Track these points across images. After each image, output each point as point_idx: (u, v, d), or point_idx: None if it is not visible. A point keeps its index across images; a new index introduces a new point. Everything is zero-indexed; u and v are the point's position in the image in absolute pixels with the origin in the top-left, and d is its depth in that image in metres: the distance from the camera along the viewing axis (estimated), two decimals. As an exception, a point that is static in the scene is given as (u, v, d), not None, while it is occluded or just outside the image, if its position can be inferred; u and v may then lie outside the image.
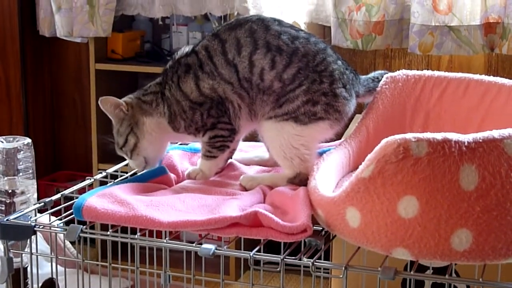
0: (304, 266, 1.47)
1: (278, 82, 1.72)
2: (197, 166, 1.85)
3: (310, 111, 1.71)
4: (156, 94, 1.82)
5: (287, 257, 1.46)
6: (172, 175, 1.85)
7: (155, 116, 1.82)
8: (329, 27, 3.22)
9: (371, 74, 1.90)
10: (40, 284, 1.87)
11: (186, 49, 1.82)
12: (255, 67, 1.72)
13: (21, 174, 1.88)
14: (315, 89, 1.71)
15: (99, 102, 1.81)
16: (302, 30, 1.78)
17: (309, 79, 1.71)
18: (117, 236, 1.60)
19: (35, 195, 1.91)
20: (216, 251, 1.47)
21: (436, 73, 1.89)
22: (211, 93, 1.75)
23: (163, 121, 1.81)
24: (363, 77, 1.86)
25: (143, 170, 1.86)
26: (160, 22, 3.57)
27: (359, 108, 1.84)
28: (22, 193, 1.89)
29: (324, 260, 1.50)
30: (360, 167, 1.44)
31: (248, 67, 1.72)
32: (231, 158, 1.92)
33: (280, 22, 1.77)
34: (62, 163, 4.17)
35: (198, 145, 1.91)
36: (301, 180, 1.71)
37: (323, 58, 1.73)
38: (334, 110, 1.72)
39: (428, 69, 1.94)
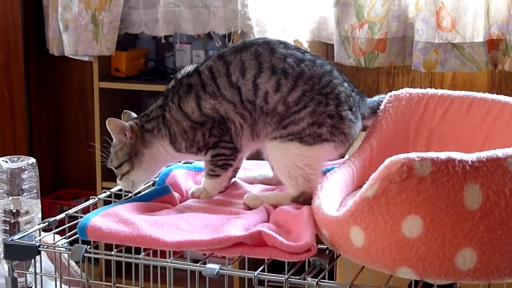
0: (308, 286, 1.47)
1: (282, 105, 1.71)
2: (201, 185, 1.85)
3: (315, 133, 1.70)
4: (158, 119, 1.82)
5: (291, 276, 1.46)
6: (176, 194, 1.85)
7: (155, 143, 1.82)
8: (332, 45, 3.23)
9: (377, 97, 1.89)
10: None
11: (189, 68, 1.82)
12: (259, 90, 1.72)
13: (25, 194, 1.89)
14: (320, 111, 1.71)
15: (106, 122, 1.81)
16: (307, 52, 1.78)
17: (315, 101, 1.71)
18: (121, 256, 1.60)
19: (40, 215, 1.92)
20: (220, 271, 1.47)
21: (439, 91, 1.90)
22: (213, 113, 1.76)
23: (165, 144, 1.82)
24: (369, 99, 1.86)
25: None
26: (163, 41, 3.58)
27: (364, 127, 1.84)
28: (27, 212, 1.89)
29: (328, 279, 1.50)
30: (364, 186, 1.44)
31: (252, 90, 1.72)
32: (235, 177, 1.92)
33: (286, 45, 1.76)
34: (66, 181, 4.17)
35: (202, 163, 1.91)
36: (305, 199, 1.70)
37: (329, 80, 1.73)
38: (339, 132, 1.72)
39: (431, 86, 1.95)
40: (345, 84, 1.76)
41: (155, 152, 1.83)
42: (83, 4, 3.52)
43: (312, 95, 1.71)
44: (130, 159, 1.82)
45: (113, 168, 1.85)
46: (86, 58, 3.68)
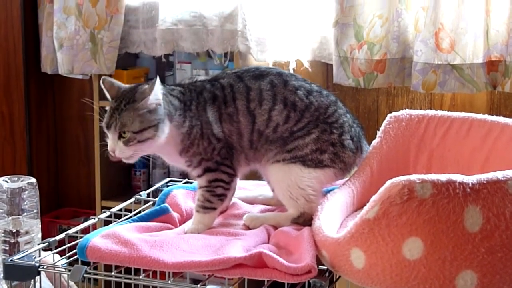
0: (308, 307, 1.47)
1: (288, 133, 1.74)
2: (193, 225, 1.77)
3: (317, 159, 1.74)
4: (181, 103, 1.74)
5: (291, 298, 1.46)
6: (176, 214, 1.84)
7: (175, 126, 1.72)
8: (332, 65, 3.24)
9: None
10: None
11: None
12: (271, 122, 1.75)
13: (25, 213, 1.88)
14: (324, 138, 1.74)
15: (155, 82, 1.67)
16: (313, 84, 1.82)
17: (319, 128, 1.75)
18: (121, 277, 1.60)
19: (39, 235, 1.91)
20: (220, 292, 1.47)
21: (439, 112, 1.90)
22: (229, 134, 1.76)
23: (178, 136, 1.73)
24: None
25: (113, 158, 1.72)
26: (164, 59, 3.58)
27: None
28: (27, 233, 1.88)
29: (328, 301, 1.50)
30: (365, 208, 1.44)
31: (266, 121, 1.75)
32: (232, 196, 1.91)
33: (296, 77, 1.80)
34: (65, 200, 4.16)
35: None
36: (305, 220, 1.71)
37: (334, 110, 1.78)
38: (340, 160, 1.76)
39: (431, 107, 1.95)
40: (348, 115, 1.81)
41: (172, 131, 1.72)
42: (81, 22, 3.52)
43: (317, 123, 1.75)
44: (156, 125, 1.69)
45: (122, 131, 1.67)
46: (80, 77, 3.68)
